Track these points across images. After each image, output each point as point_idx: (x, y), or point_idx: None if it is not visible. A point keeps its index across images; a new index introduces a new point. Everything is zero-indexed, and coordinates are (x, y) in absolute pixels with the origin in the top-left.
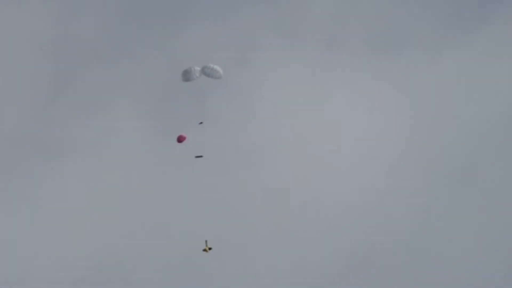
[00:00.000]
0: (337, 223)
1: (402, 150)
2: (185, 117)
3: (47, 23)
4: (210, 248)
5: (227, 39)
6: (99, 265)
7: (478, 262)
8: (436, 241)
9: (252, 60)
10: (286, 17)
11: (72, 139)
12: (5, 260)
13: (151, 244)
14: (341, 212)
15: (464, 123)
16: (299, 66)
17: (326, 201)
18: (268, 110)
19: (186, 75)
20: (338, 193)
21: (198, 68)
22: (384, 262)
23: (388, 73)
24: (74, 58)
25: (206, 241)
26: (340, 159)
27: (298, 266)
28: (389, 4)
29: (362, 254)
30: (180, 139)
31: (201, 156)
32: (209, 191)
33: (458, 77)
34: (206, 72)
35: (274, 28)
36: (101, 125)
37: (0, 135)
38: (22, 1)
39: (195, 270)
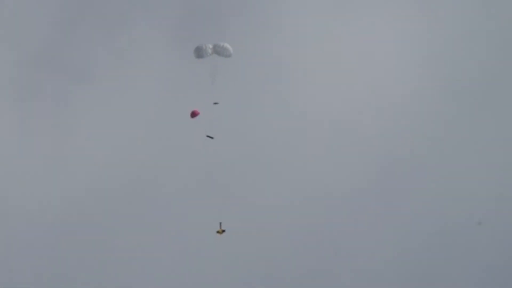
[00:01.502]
0: (355, 141)
1: (421, 69)
2: (204, 39)
3: None
4: (223, 231)
5: None
6: (126, 182)
7: (494, 180)
8: (453, 159)
9: None
10: None
11: (94, 60)
12: (36, 179)
13: (172, 163)
14: (359, 131)
15: (482, 42)
16: None
17: (345, 120)
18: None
19: (199, 52)
20: (356, 112)
21: (210, 46)
22: (402, 178)
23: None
24: None
25: (220, 223)
26: (358, 78)
27: (316, 183)
28: None
29: (381, 171)
30: (193, 114)
31: (212, 138)
32: (226, 111)
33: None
34: (217, 50)
35: None
36: (122, 46)
37: (24, 57)
38: None
39: (214, 186)
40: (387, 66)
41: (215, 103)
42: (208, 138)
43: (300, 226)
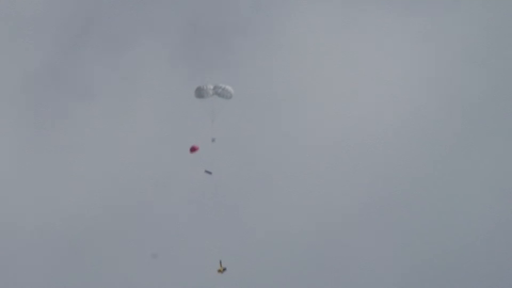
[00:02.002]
0: (359, 164)
1: (424, 94)
2: (208, 58)
3: None
4: (224, 269)
5: None
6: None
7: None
8: (458, 182)
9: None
10: None
11: (96, 78)
12: (38, 192)
13: (172, 183)
14: (363, 154)
15: (489, 69)
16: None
17: (348, 143)
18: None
19: (199, 92)
20: (361, 134)
21: (211, 87)
22: (406, 202)
23: (414, 17)
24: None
25: (220, 261)
26: (362, 100)
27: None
28: None
29: (384, 195)
30: (193, 150)
31: (210, 173)
32: (234, 131)
33: (482, 22)
34: (218, 91)
35: None
36: (125, 65)
37: (26, 73)
38: None
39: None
40: (390, 85)
41: (213, 140)
42: (207, 173)
43: (305, 250)
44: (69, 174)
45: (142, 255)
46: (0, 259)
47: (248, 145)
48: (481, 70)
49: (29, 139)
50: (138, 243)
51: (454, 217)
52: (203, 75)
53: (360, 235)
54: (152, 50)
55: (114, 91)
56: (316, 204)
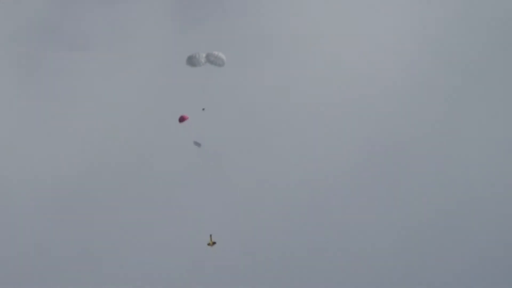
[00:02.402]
0: (356, 120)
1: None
2: (204, 12)
3: None
4: (214, 243)
5: None
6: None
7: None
8: (453, 137)
9: None
10: None
11: (92, 29)
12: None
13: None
14: (358, 109)
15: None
16: None
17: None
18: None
19: (191, 61)
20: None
21: (203, 54)
22: (400, 156)
23: None
24: None
25: (210, 235)
26: (358, 56)
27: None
28: None
29: (381, 152)
30: (182, 119)
31: (199, 145)
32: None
33: None
34: (210, 59)
35: None
36: (122, 16)
37: (22, 26)
38: None
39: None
40: (384, 41)
41: (203, 109)
42: (196, 145)
43: (298, 204)
44: (63, 127)
45: (136, 209)
46: None
47: (242, 96)
48: (477, 25)
49: (22, 93)
50: (133, 197)
51: (453, 174)
52: (201, 25)
53: (356, 193)
54: (149, 1)
55: (109, 42)
56: (311, 159)
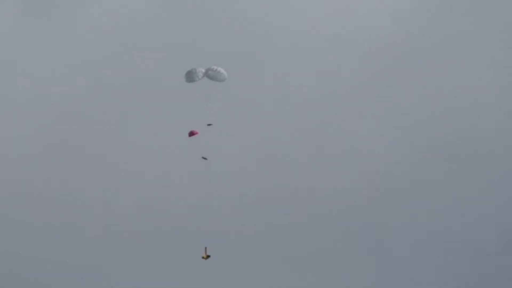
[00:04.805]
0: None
1: None
2: None
3: None
4: (208, 256)
5: None
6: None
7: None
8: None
9: None
10: None
11: None
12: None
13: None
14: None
15: None
16: None
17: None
18: None
19: (189, 76)
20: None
21: (202, 70)
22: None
23: None
24: None
25: (205, 248)
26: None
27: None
28: None
29: (385, 74)
30: (191, 134)
31: (206, 159)
32: None
33: None
34: (210, 74)
35: None
36: None
37: None
38: None
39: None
40: None
41: (209, 125)
42: (203, 159)
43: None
44: (62, 51)
45: (136, 133)
46: None
47: (250, 19)
48: None
49: (22, 18)
50: (132, 120)
51: (454, 95)
52: None
53: (361, 115)
54: None
55: None
56: (317, 82)
